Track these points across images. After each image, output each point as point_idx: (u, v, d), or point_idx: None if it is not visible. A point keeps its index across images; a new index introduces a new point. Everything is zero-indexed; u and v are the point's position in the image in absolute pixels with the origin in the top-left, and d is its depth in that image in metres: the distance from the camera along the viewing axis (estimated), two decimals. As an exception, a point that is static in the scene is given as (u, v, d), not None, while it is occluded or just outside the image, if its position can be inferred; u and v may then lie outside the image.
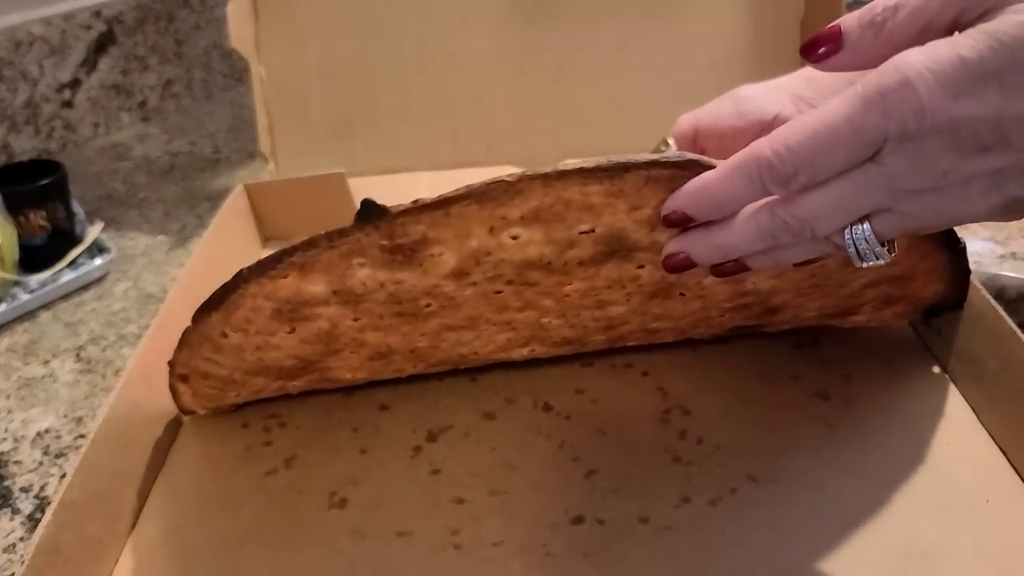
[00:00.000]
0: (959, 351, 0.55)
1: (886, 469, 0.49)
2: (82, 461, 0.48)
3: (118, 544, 0.51)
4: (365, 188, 0.82)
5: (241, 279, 0.45)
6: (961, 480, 0.48)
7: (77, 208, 0.82)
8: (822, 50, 0.36)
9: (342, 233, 0.42)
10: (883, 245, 0.36)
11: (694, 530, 0.46)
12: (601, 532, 0.46)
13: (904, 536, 0.45)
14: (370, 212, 0.41)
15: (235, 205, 0.78)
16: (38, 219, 0.77)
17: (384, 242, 0.42)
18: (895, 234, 0.36)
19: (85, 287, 0.79)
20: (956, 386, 0.55)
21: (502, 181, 0.40)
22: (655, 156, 0.39)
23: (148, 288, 0.79)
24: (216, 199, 0.91)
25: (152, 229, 0.89)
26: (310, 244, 0.43)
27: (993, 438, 0.51)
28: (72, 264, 0.78)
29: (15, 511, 0.55)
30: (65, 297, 0.78)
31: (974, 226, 0.74)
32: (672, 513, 0.47)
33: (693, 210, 0.39)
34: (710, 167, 0.38)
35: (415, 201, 0.40)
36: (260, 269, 0.45)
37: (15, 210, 0.76)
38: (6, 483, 0.57)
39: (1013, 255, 0.71)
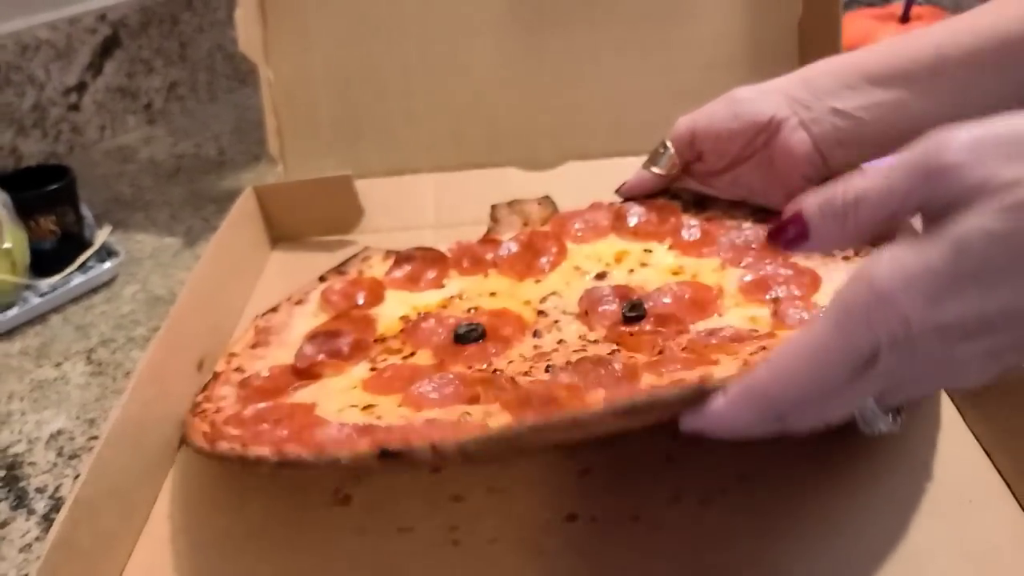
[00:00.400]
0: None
1: (872, 471, 0.50)
2: (96, 459, 0.49)
3: (131, 539, 0.53)
4: (372, 189, 0.84)
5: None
6: (945, 481, 0.49)
7: (86, 212, 0.84)
8: (790, 236, 0.37)
9: None
10: (887, 414, 0.38)
11: (684, 528, 0.48)
12: (594, 530, 0.48)
13: (890, 537, 0.46)
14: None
15: (244, 207, 0.80)
16: (48, 224, 0.79)
17: None
18: (898, 403, 0.37)
19: (94, 290, 0.81)
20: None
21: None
22: (674, 392, 0.39)
23: (156, 291, 0.81)
24: (222, 201, 0.93)
25: (159, 231, 0.91)
26: None
27: (978, 440, 0.52)
28: (81, 267, 0.80)
29: (31, 511, 0.57)
30: (75, 300, 0.80)
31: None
32: (664, 512, 0.49)
33: (709, 433, 0.38)
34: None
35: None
36: None
37: (25, 215, 0.78)
38: (21, 484, 0.59)
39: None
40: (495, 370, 0.59)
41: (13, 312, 0.76)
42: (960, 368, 0.34)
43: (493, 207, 0.81)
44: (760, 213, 0.72)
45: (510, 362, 0.60)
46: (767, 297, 0.62)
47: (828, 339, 0.34)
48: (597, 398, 0.46)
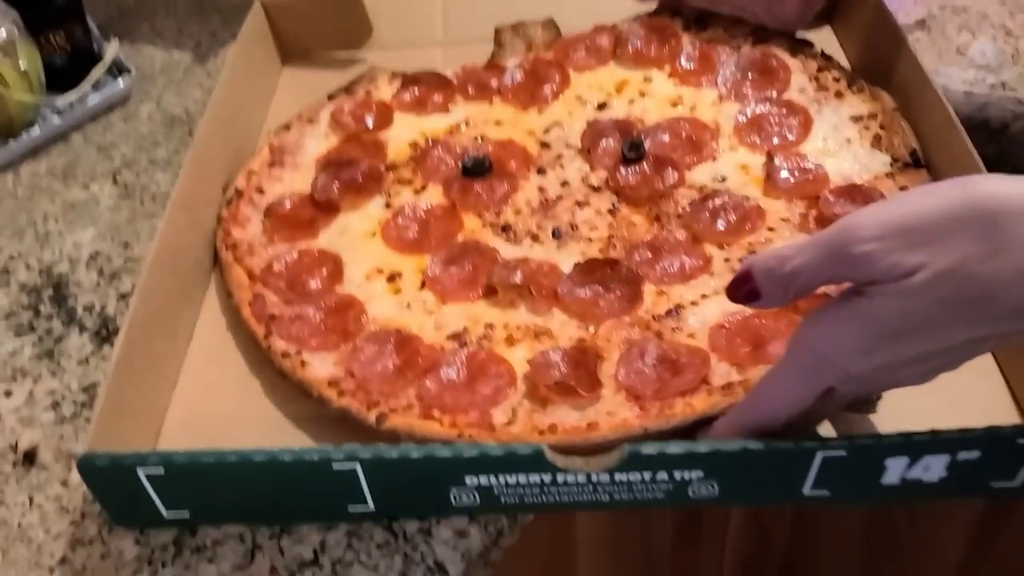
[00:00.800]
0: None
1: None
2: (142, 286, 0.55)
3: (179, 357, 0.59)
4: (381, 3, 0.83)
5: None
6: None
7: (92, 25, 0.84)
8: (743, 294, 0.42)
9: None
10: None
11: None
12: None
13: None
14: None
15: (253, 24, 0.79)
16: (58, 39, 0.79)
17: None
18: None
19: (110, 108, 0.82)
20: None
21: None
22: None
23: (172, 110, 0.82)
24: (227, 13, 0.92)
25: (166, 45, 0.90)
26: None
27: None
28: (95, 86, 0.81)
29: (82, 328, 0.63)
30: (94, 119, 0.81)
31: (962, 61, 0.78)
32: None
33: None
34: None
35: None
36: None
37: (35, 32, 0.77)
38: (70, 303, 0.65)
39: (1003, 85, 0.75)
40: (504, 226, 0.64)
41: (35, 132, 0.78)
42: (906, 380, 0.42)
43: (497, 30, 0.81)
44: (760, 32, 0.74)
45: (517, 212, 0.65)
46: (759, 142, 0.67)
47: (788, 385, 0.43)
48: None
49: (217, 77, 0.82)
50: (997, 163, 0.73)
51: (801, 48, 0.72)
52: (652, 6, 0.78)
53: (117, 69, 0.84)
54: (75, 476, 0.53)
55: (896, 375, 0.41)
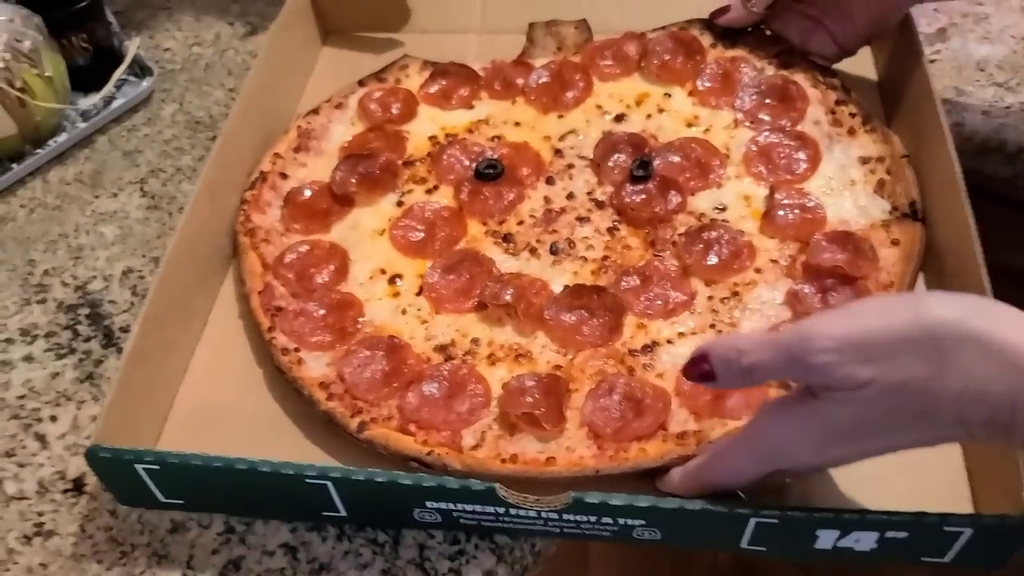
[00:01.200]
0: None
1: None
2: (158, 280, 0.59)
3: (191, 344, 0.64)
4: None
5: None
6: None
7: (111, 17, 0.84)
8: (698, 374, 0.45)
9: None
10: None
11: None
12: None
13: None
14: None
15: (296, 3, 0.80)
16: (79, 41, 0.80)
17: None
18: None
19: (134, 109, 0.83)
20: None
21: None
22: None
23: (195, 112, 0.83)
24: (245, 2, 0.93)
25: (186, 38, 0.90)
26: None
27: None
28: (117, 85, 0.82)
29: (119, 350, 0.65)
30: (117, 121, 0.82)
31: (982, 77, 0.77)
32: None
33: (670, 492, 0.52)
34: None
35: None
36: None
37: (57, 35, 0.78)
38: (106, 323, 0.67)
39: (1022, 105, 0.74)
40: (506, 235, 0.67)
41: (63, 137, 0.79)
42: (857, 461, 0.45)
43: (530, 26, 0.82)
44: (786, 55, 0.74)
45: (520, 222, 0.68)
46: (765, 172, 0.67)
47: (744, 463, 0.47)
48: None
49: (237, 72, 0.86)
50: (1010, 185, 0.73)
51: (824, 78, 0.71)
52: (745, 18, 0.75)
53: (139, 67, 0.84)
54: (123, 507, 0.56)
55: (848, 460, 0.45)
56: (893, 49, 0.73)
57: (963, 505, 0.51)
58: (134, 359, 0.56)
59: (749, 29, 0.76)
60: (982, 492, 0.51)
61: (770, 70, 0.73)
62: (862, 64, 0.76)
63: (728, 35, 0.76)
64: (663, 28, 0.78)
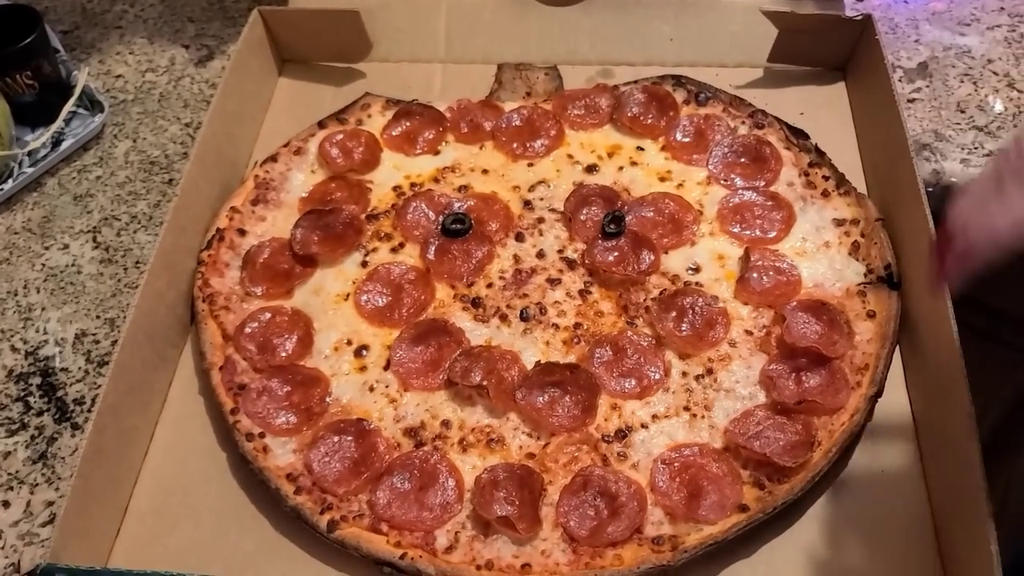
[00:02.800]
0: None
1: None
2: (115, 365, 0.56)
3: (150, 428, 0.61)
4: (384, 12, 0.80)
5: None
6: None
7: (57, 44, 0.79)
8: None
9: None
10: None
11: None
12: None
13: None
14: None
15: (251, 34, 0.77)
16: (24, 79, 0.75)
17: None
18: None
19: (85, 147, 0.78)
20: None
21: None
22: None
23: (149, 151, 0.78)
24: (200, 21, 0.88)
25: (139, 63, 0.85)
26: None
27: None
28: (67, 120, 0.77)
29: (75, 426, 0.61)
30: (67, 160, 0.77)
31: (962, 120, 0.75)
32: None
33: None
34: None
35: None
36: None
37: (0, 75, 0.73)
38: (59, 394, 0.63)
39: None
40: (475, 299, 0.64)
41: (8, 185, 0.74)
42: None
43: (499, 67, 0.79)
44: (759, 115, 0.72)
45: (489, 285, 0.65)
46: (740, 231, 0.66)
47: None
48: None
49: (192, 104, 0.81)
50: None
51: (797, 140, 0.70)
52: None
53: (89, 101, 0.79)
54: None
55: None
56: (871, 100, 0.72)
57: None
58: (90, 458, 0.53)
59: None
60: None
61: (743, 129, 0.72)
62: (839, 116, 0.74)
63: (699, 95, 0.74)
64: (635, 82, 0.75)
